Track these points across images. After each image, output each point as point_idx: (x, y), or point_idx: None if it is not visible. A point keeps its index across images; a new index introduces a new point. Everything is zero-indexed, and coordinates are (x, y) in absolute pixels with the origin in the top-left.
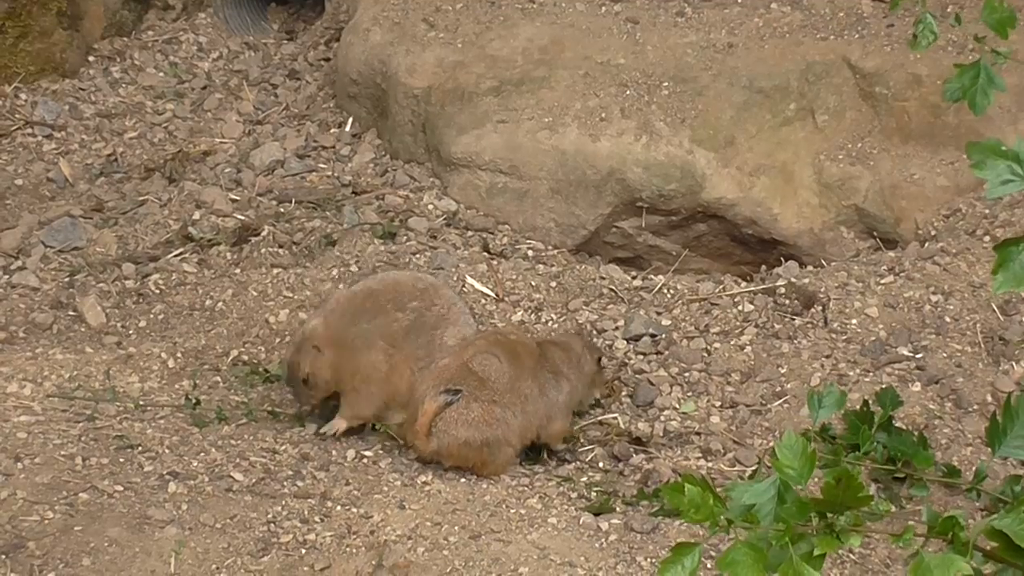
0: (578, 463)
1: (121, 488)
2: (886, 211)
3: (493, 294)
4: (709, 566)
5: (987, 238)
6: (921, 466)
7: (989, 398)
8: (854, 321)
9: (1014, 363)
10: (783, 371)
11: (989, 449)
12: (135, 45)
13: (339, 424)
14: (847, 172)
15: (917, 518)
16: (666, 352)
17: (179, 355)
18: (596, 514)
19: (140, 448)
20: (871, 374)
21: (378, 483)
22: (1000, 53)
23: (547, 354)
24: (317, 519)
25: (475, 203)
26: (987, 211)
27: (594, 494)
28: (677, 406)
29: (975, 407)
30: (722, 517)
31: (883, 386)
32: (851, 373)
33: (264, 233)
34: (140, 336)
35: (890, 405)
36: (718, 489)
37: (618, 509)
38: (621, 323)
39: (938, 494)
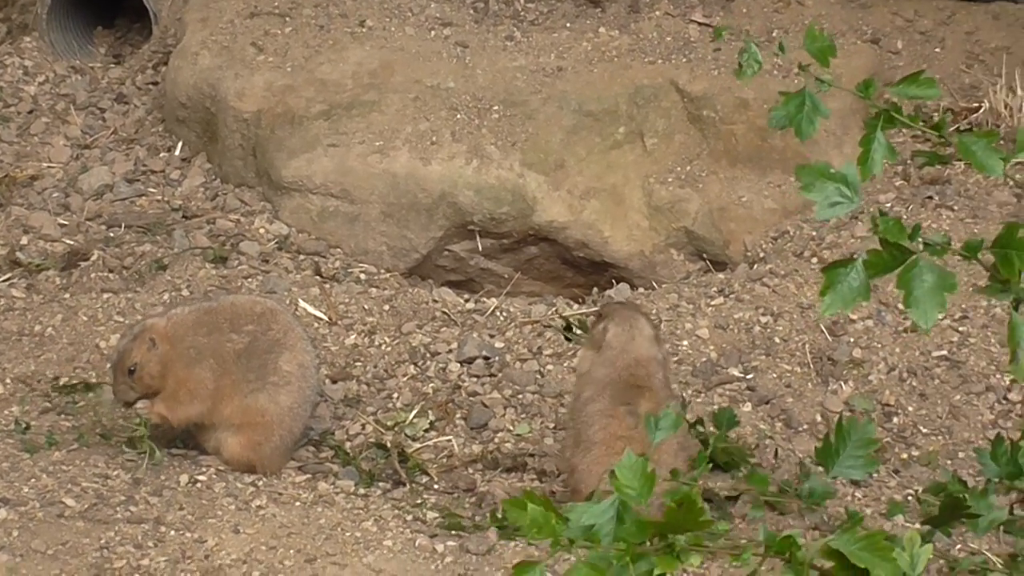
0: (413, 486)
1: None
2: (715, 233)
3: (326, 318)
4: None
5: (815, 260)
6: (756, 487)
7: (818, 418)
8: (685, 342)
9: (842, 383)
10: None
11: (820, 468)
12: None
13: (150, 410)
14: (676, 195)
15: (751, 536)
16: (499, 374)
17: (8, 381)
18: (451, 530)
19: None
20: (703, 395)
21: (212, 507)
22: (824, 81)
23: None
24: (151, 544)
25: (307, 227)
26: (814, 233)
27: (429, 515)
28: (511, 428)
29: (805, 426)
30: (564, 536)
31: (715, 407)
32: (683, 394)
33: (94, 258)
34: None
35: (727, 425)
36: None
37: (453, 531)
38: (454, 346)
39: (768, 512)
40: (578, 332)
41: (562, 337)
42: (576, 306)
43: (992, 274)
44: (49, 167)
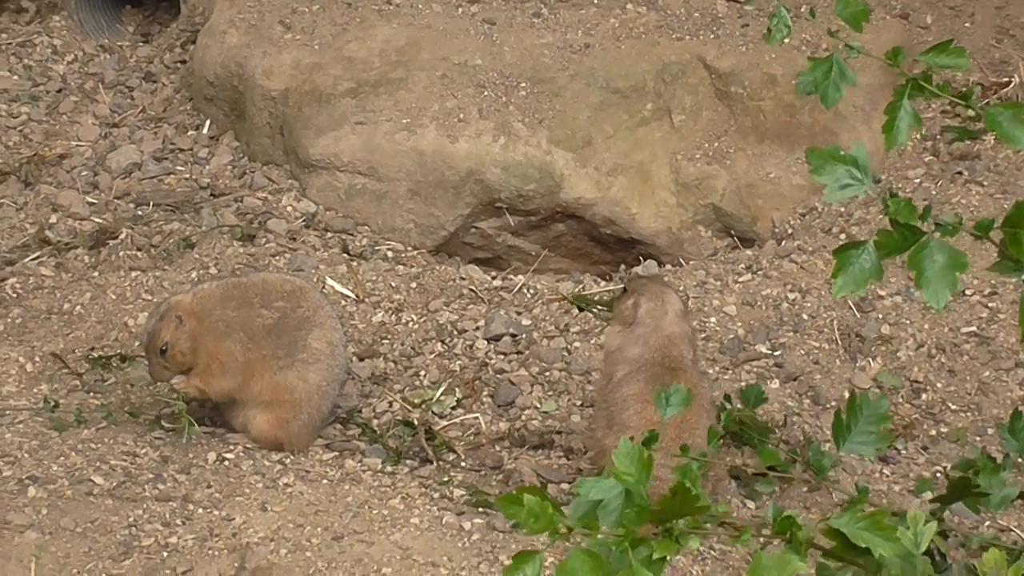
0: (440, 463)
1: None
2: (743, 210)
3: (353, 295)
4: None
5: (843, 236)
6: (766, 462)
7: (846, 394)
8: (713, 319)
9: (870, 360)
10: None
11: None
12: None
13: (186, 384)
14: (704, 171)
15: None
16: (526, 352)
17: (37, 359)
18: (478, 508)
19: None
20: (730, 372)
21: (240, 485)
22: (853, 47)
23: None
24: (179, 522)
25: (334, 204)
26: (842, 209)
27: (456, 493)
28: (538, 405)
29: (833, 403)
30: (561, 525)
31: (742, 384)
32: (711, 371)
33: (122, 236)
34: None
35: (754, 401)
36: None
37: (480, 508)
38: (481, 323)
39: (797, 487)
40: (593, 307)
41: (587, 312)
42: (604, 283)
43: (1002, 252)
44: (78, 146)
